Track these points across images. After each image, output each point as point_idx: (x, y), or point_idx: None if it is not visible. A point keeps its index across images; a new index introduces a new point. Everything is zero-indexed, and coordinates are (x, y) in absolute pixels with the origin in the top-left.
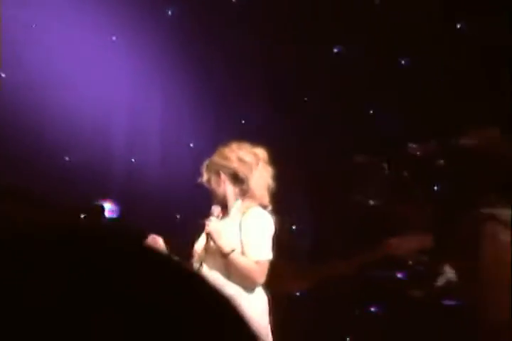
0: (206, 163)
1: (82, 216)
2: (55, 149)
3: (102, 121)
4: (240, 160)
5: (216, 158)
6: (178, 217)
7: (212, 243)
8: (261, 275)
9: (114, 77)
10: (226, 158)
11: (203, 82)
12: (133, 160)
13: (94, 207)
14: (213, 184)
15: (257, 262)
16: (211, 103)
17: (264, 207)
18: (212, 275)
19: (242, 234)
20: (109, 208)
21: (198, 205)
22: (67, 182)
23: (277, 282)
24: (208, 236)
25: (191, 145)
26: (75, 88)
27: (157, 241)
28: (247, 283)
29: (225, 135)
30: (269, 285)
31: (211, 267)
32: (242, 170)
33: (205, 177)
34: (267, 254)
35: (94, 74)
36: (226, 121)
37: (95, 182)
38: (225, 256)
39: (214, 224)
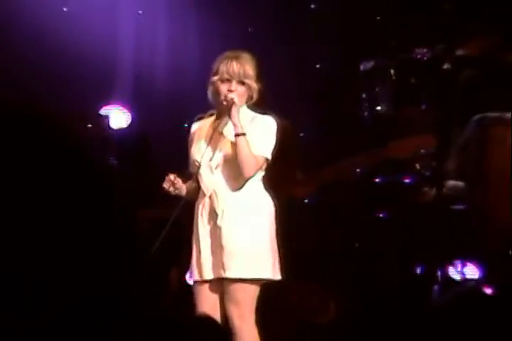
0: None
1: (89, 125)
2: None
3: (109, 29)
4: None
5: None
6: (186, 125)
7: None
8: (253, 169)
9: None
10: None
11: None
12: (140, 68)
13: (100, 117)
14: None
15: (255, 156)
16: (218, 11)
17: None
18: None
19: (250, 130)
20: (117, 117)
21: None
22: (72, 90)
23: (285, 188)
24: (230, 105)
25: (199, 53)
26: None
27: (174, 182)
28: (237, 171)
29: (232, 43)
30: (278, 191)
31: (220, 150)
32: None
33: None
34: (266, 152)
35: None
36: (233, 29)
37: (102, 90)
38: (236, 135)
39: (236, 98)
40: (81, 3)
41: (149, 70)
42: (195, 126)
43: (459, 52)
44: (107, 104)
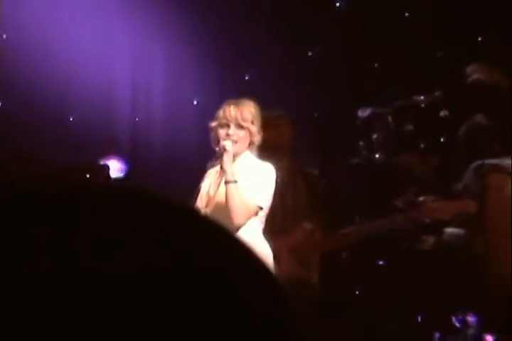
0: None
1: (87, 175)
2: (59, 110)
3: (104, 80)
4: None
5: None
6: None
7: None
8: (243, 216)
9: (116, 34)
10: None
11: (205, 38)
12: (137, 119)
13: (99, 167)
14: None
15: (247, 204)
16: (214, 59)
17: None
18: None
19: (248, 176)
20: (114, 167)
21: (204, 161)
22: (71, 142)
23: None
24: (222, 152)
25: (195, 102)
26: (76, 48)
27: None
28: (229, 219)
29: (229, 91)
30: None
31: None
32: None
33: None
34: (260, 200)
35: (95, 32)
36: (229, 77)
37: (100, 142)
38: (226, 182)
39: (230, 145)
40: (80, 57)
41: (146, 120)
42: (207, 173)
43: (456, 97)
44: (105, 155)
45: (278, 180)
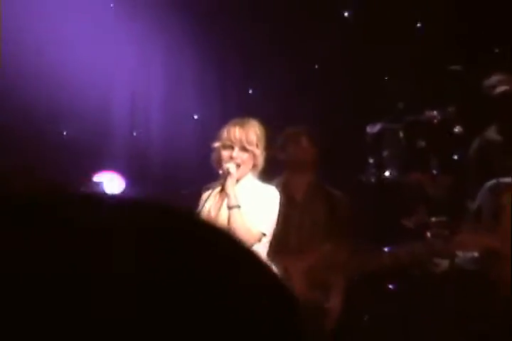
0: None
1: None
2: (55, 124)
3: (102, 93)
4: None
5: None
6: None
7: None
8: (246, 242)
9: (115, 47)
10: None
11: (208, 52)
12: (134, 133)
13: (93, 183)
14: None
15: (250, 230)
16: (216, 73)
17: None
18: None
19: (251, 201)
20: (111, 183)
21: (203, 179)
22: (67, 157)
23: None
24: (225, 175)
25: (195, 117)
26: (73, 61)
27: None
28: None
29: (230, 106)
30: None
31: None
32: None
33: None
34: (264, 227)
35: (93, 44)
36: (233, 91)
37: (97, 157)
38: (229, 207)
39: (234, 168)
40: (75, 69)
41: (143, 136)
42: (203, 196)
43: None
44: (100, 170)
45: (297, 197)
